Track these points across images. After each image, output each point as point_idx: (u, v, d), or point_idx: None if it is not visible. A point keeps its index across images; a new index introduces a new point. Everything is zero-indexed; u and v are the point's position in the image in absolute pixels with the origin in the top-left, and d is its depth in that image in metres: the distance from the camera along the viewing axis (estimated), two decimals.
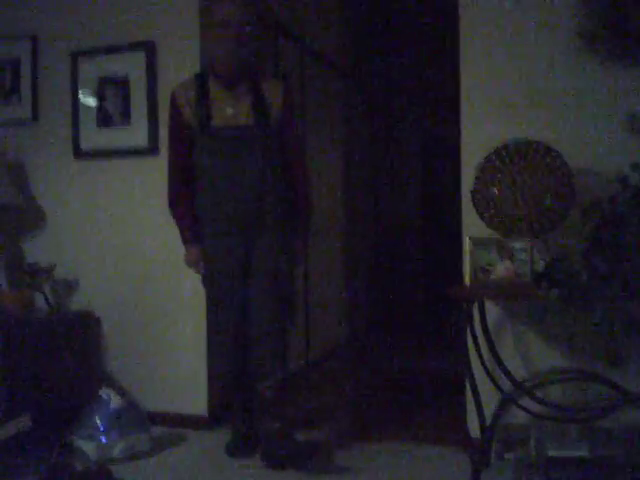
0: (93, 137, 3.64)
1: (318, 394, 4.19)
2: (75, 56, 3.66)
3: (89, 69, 3.64)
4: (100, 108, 3.63)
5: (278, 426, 2.86)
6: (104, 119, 3.62)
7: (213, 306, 2.98)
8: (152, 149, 3.51)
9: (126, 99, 3.58)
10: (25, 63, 3.78)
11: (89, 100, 3.64)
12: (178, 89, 2.94)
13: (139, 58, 3.54)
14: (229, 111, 2.81)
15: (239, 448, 3.02)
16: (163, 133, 3.48)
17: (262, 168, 2.84)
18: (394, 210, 6.71)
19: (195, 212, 2.95)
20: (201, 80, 2.88)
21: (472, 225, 2.84)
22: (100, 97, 3.62)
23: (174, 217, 3.03)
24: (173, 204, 3.01)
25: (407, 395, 4.09)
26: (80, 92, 3.66)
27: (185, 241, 3.00)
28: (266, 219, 2.88)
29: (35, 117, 3.76)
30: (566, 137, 2.77)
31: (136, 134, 3.55)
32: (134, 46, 3.54)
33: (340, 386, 4.48)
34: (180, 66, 3.45)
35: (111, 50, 3.60)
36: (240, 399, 3.07)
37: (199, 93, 2.84)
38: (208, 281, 2.99)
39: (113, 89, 3.61)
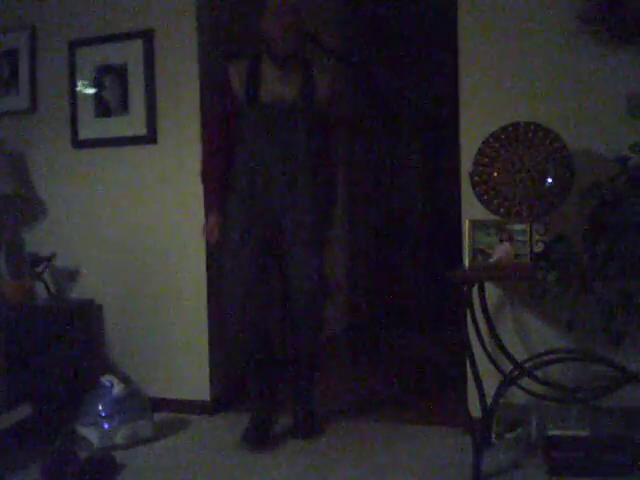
0: (92, 126, 3.64)
1: (321, 376, 4.22)
2: (73, 45, 3.66)
3: (87, 58, 3.64)
4: (98, 97, 3.62)
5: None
6: (102, 108, 3.62)
7: (234, 283, 2.98)
8: (151, 137, 3.51)
9: (124, 88, 3.57)
10: (23, 53, 3.77)
11: (87, 89, 3.64)
12: (232, 65, 3.04)
13: (137, 47, 3.53)
14: (279, 89, 2.94)
15: (258, 436, 2.98)
16: (162, 121, 3.49)
17: (304, 146, 2.95)
18: (395, 194, 6.72)
19: (226, 181, 3.01)
20: (254, 59, 3.00)
21: (471, 208, 2.85)
22: (98, 86, 3.62)
23: (204, 183, 3.11)
24: (206, 171, 3.08)
25: (409, 377, 4.11)
26: (78, 81, 3.65)
27: (209, 208, 3.08)
28: (303, 195, 2.96)
29: (34, 107, 3.75)
30: (565, 119, 2.78)
31: (135, 123, 3.55)
32: (132, 34, 3.54)
33: (343, 368, 4.50)
34: (178, 54, 3.45)
35: (109, 39, 3.59)
36: (261, 385, 3.10)
37: (251, 70, 2.97)
38: (236, 253, 2.98)
39: (111, 78, 3.60)
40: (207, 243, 3.22)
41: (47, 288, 3.52)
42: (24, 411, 2.83)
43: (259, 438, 2.96)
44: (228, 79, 3.00)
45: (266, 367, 3.09)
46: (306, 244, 2.96)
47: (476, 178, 2.71)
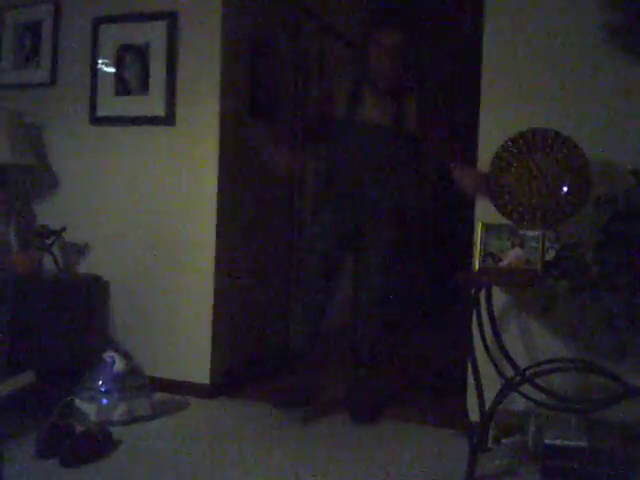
0: (110, 104, 3.65)
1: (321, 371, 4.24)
2: (97, 22, 3.67)
3: (110, 36, 3.65)
4: (119, 76, 3.63)
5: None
6: (122, 87, 3.63)
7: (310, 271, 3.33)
8: (168, 119, 3.52)
9: (145, 68, 3.58)
10: (46, 27, 3.79)
11: (108, 67, 3.64)
12: (337, 86, 3.43)
13: (160, 28, 3.53)
14: (372, 112, 3.25)
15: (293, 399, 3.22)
16: (180, 105, 3.50)
17: (390, 164, 3.28)
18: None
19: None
20: (356, 85, 3.33)
21: (485, 211, 2.84)
22: (119, 65, 3.63)
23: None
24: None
25: (411, 377, 4.12)
26: (99, 59, 3.66)
27: None
28: (381, 208, 3.27)
29: (53, 81, 3.77)
30: (584, 128, 2.76)
31: (153, 103, 3.56)
32: (156, 15, 3.54)
33: (344, 365, 4.50)
34: (201, 38, 3.46)
35: (133, 18, 3.60)
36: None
37: (352, 92, 3.30)
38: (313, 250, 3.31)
39: (132, 57, 3.61)
40: None
41: (55, 261, 3.53)
42: (29, 377, 2.83)
43: (295, 403, 3.21)
44: (333, 99, 3.34)
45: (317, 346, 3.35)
46: (380, 246, 3.28)
47: (492, 182, 2.71)
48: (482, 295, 2.72)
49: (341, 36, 5.18)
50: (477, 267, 2.57)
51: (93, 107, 3.67)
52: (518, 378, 2.67)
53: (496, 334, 2.79)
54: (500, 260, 2.55)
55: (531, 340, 2.88)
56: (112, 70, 3.64)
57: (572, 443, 2.51)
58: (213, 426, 3.04)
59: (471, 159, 3.01)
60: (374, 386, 3.39)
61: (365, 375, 3.34)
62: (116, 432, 2.82)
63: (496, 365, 2.75)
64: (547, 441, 2.53)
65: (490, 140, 2.87)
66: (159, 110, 3.54)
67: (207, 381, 3.43)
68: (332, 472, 2.59)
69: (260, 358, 4.13)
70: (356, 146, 3.24)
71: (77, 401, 3.01)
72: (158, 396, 3.28)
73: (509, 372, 2.74)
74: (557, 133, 2.63)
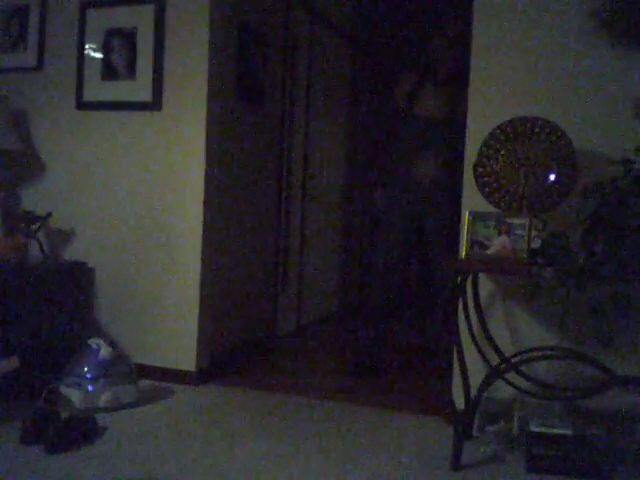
0: (97, 89, 3.62)
1: (308, 357, 4.27)
2: (84, 7, 3.63)
3: (97, 21, 3.61)
4: (106, 60, 3.60)
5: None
6: (109, 71, 3.60)
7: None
8: (155, 104, 3.49)
9: (132, 53, 3.55)
10: (34, 11, 3.75)
11: (95, 52, 3.61)
12: (401, 81, 3.71)
13: (148, 12, 3.50)
14: (427, 104, 3.56)
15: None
16: (167, 89, 3.47)
17: (441, 155, 3.58)
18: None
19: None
20: (417, 81, 3.63)
21: (472, 200, 2.84)
22: (106, 49, 3.59)
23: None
24: None
25: (398, 364, 4.13)
26: (87, 43, 3.63)
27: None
28: (437, 199, 3.61)
29: (40, 65, 3.73)
30: (572, 117, 2.76)
31: (140, 88, 3.53)
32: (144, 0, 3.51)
33: (330, 352, 4.50)
34: (189, 23, 3.43)
35: (121, 2, 3.56)
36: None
37: (413, 86, 3.62)
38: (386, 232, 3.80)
39: (120, 42, 3.57)
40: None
41: (41, 247, 3.51)
42: (13, 363, 2.81)
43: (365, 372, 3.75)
44: (395, 98, 3.69)
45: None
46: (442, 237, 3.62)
47: (480, 169, 2.70)
48: (469, 283, 2.72)
49: (331, 23, 5.17)
50: (464, 254, 2.57)
51: (80, 92, 3.64)
52: (503, 366, 2.68)
53: (482, 322, 2.80)
54: (487, 248, 2.55)
55: (517, 328, 2.88)
56: (99, 55, 3.60)
57: (557, 431, 2.52)
58: (198, 413, 3.03)
59: None
60: (376, 344, 3.80)
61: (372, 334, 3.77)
62: (101, 419, 2.82)
63: (482, 353, 2.75)
64: (532, 428, 2.54)
65: (478, 128, 2.87)
66: (146, 95, 3.51)
67: (193, 368, 3.42)
68: (319, 457, 2.59)
69: (246, 345, 4.13)
70: (409, 140, 3.60)
71: (62, 387, 3.00)
72: (144, 383, 3.28)
73: (494, 360, 2.75)
74: (545, 121, 2.63)
